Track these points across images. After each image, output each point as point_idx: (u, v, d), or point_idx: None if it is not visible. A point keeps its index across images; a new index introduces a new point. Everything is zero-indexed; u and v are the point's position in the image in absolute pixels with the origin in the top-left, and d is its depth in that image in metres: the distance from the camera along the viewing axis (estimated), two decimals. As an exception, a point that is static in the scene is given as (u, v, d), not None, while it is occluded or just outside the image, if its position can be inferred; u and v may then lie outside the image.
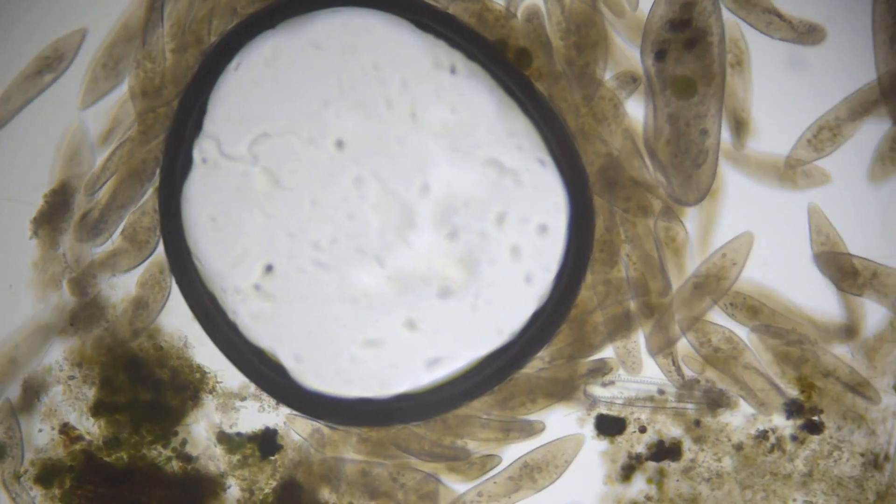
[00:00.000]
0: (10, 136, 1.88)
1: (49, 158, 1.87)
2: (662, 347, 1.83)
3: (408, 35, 1.79)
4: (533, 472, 1.86)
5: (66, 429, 1.89)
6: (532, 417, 1.86)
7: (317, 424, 1.88)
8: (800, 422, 1.84)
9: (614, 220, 1.83)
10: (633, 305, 1.83)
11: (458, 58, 1.80)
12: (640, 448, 1.86)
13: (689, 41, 1.70)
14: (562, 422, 1.86)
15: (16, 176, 1.89)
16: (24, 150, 1.88)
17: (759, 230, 1.82)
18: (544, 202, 1.81)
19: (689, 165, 1.78)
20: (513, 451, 1.87)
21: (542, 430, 1.86)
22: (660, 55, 1.65)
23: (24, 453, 1.89)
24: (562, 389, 1.85)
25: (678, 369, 1.83)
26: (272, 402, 1.88)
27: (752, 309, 1.82)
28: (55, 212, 1.87)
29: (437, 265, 1.81)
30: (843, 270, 1.75)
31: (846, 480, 1.84)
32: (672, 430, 1.85)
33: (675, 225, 1.82)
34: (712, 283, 1.82)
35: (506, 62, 1.81)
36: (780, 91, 1.80)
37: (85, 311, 1.88)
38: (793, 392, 1.83)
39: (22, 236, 1.88)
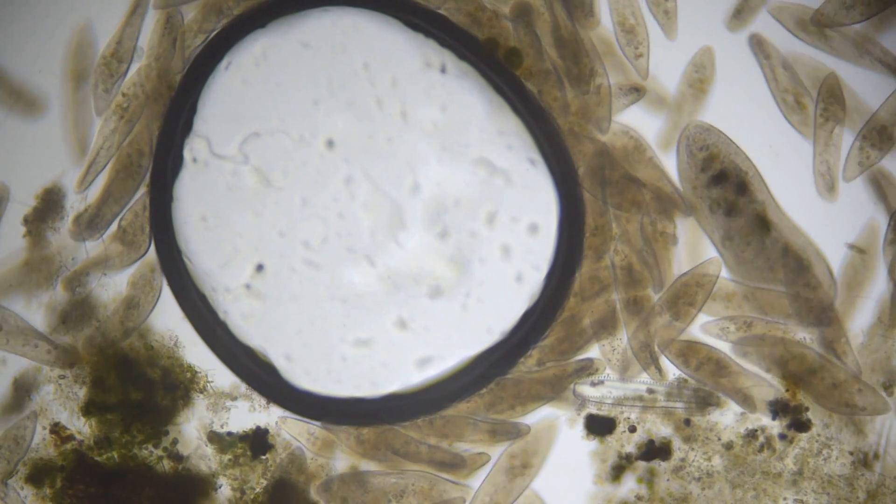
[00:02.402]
0: (3, 136, 1.89)
1: (42, 157, 1.88)
2: (644, 347, 1.83)
3: (398, 34, 1.80)
4: (520, 466, 1.87)
5: (57, 428, 1.89)
6: (519, 420, 1.86)
7: (309, 425, 1.88)
8: (787, 420, 1.83)
9: (606, 216, 1.83)
10: (618, 303, 1.83)
11: (448, 57, 1.80)
12: (630, 448, 1.86)
13: (739, 187, 1.74)
14: (549, 422, 1.86)
15: (9, 176, 1.89)
16: (16, 149, 1.89)
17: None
18: (535, 201, 1.81)
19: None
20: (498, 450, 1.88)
21: (528, 432, 1.86)
22: (729, 212, 1.69)
23: (23, 458, 1.89)
24: (550, 391, 1.85)
25: (656, 362, 1.83)
26: (263, 401, 1.88)
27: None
28: (49, 210, 1.87)
29: (428, 264, 1.81)
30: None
31: (836, 479, 1.83)
32: (662, 429, 1.85)
33: (664, 220, 1.82)
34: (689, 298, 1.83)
35: (496, 61, 1.81)
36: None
37: (76, 311, 1.88)
38: (779, 390, 1.83)
39: (16, 235, 1.89)
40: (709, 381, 1.83)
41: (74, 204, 1.88)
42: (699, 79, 1.81)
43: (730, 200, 1.75)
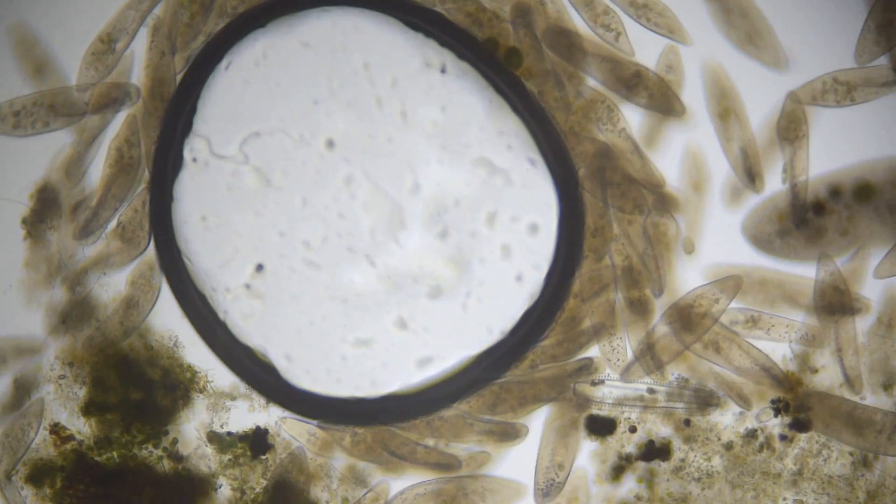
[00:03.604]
0: (3, 137, 1.89)
1: (42, 158, 1.88)
2: (646, 353, 1.83)
3: (398, 34, 1.80)
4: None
5: (56, 428, 1.89)
6: (519, 420, 1.87)
7: (309, 426, 1.88)
8: (788, 420, 1.83)
9: (606, 217, 1.83)
10: (618, 303, 1.83)
11: (448, 57, 1.80)
12: (630, 448, 1.86)
13: (816, 208, 1.77)
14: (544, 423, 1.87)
15: (9, 175, 1.89)
16: (16, 150, 1.89)
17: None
18: (535, 201, 1.81)
19: None
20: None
21: (527, 433, 1.86)
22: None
23: (24, 455, 1.89)
24: (551, 391, 1.85)
25: (657, 361, 1.83)
26: (263, 401, 1.88)
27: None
28: (46, 210, 1.87)
29: (428, 264, 1.81)
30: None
31: (836, 479, 1.83)
32: (662, 429, 1.85)
33: (666, 220, 1.82)
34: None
35: (496, 61, 1.81)
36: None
37: (76, 311, 1.88)
38: (780, 390, 1.84)
39: (16, 236, 1.89)
40: (708, 371, 1.84)
41: (70, 198, 1.87)
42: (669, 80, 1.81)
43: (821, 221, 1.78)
